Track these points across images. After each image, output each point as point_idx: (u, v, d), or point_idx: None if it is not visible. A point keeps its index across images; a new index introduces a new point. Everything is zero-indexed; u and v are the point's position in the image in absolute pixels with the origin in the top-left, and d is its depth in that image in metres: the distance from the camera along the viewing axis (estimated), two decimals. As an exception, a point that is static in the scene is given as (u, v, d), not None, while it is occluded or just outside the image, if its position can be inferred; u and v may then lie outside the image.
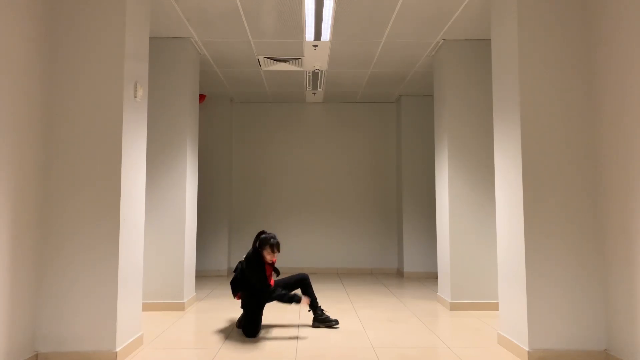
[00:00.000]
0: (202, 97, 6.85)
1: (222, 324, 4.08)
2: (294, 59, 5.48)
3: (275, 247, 3.73)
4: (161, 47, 4.82)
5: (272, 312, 4.54)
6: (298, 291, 5.04)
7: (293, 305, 4.41)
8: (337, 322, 3.93)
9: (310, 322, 4.10)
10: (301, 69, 5.88)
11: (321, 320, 3.92)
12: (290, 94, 7.23)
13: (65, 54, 3.15)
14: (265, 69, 5.85)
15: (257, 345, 3.40)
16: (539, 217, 3.13)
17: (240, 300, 4.14)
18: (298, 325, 4.01)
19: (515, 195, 3.24)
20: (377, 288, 6.00)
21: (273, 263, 3.84)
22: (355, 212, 7.63)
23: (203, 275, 7.11)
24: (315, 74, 6.06)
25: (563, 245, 3.11)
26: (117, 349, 3.00)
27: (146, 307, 4.59)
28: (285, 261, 7.52)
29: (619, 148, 2.93)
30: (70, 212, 3.06)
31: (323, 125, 7.77)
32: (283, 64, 5.64)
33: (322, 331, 3.81)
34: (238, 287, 3.82)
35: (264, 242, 3.72)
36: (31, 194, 2.94)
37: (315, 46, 5.09)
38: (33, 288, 2.97)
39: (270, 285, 3.75)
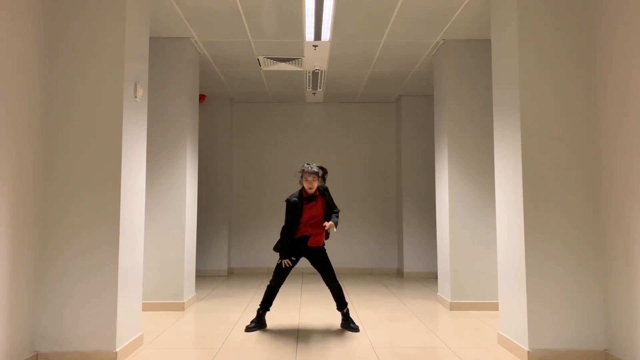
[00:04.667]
0: (202, 97, 6.85)
1: (222, 324, 4.08)
2: (294, 59, 5.48)
3: (306, 173, 3.82)
4: (161, 47, 4.82)
5: (272, 311, 4.54)
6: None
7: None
8: (357, 329, 3.85)
9: (310, 323, 4.10)
10: (301, 69, 5.88)
11: (346, 325, 3.88)
12: (290, 94, 7.23)
13: (65, 54, 3.15)
14: (265, 69, 5.84)
15: (257, 345, 3.40)
16: (539, 217, 3.13)
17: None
18: (298, 325, 4.01)
19: (515, 195, 3.24)
20: (377, 288, 6.00)
21: (316, 209, 3.85)
22: (355, 212, 7.63)
23: (203, 275, 7.11)
24: (315, 74, 6.06)
25: (563, 245, 3.12)
26: (117, 349, 3.00)
27: (146, 307, 4.59)
28: (285, 261, 7.52)
29: (620, 148, 2.93)
30: (71, 212, 3.06)
31: (323, 125, 7.77)
32: (283, 64, 5.64)
33: (322, 331, 3.81)
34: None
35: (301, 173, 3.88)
36: (31, 193, 2.94)
37: (315, 46, 5.09)
38: (33, 288, 2.97)
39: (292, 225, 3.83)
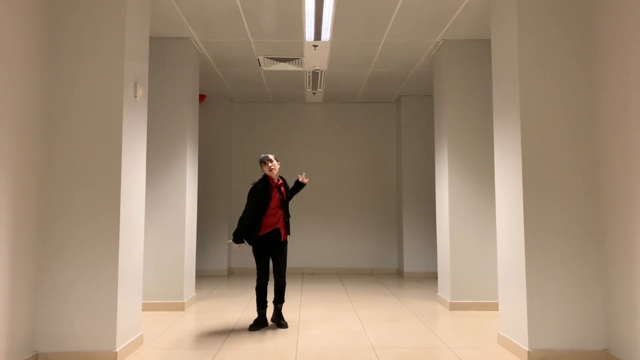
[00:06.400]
0: (202, 97, 6.85)
1: (222, 324, 4.08)
2: (294, 59, 5.48)
3: (266, 160, 3.91)
4: (161, 47, 4.82)
5: (272, 311, 4.54)
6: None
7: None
8: (287, 325, 3.97)
9: (310, 323, 4.10)
10: (301, 69, 5.88)
11: (276, 320, 4.01)
12: (290, 94, 7.23)
13: (65, 54, 3.15)
14: (265, 69, 5.84)
15: (257, 345, 3.40)
16: (538, 216, 3.13)
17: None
18: (298, 326, 4.01)
19: (515, 195, 3.24)
20: (377, 288, 6.00)
21: (279, 185, 3.96)
22: (355, 212, 7.63)
23: (203, 275, 7.11)
24: (315, 74, 6.06)
25: (563, 245, 3.11)
26: (117, 349, 3.00)
27: (146, 307, 4.58)
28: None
29: (619, 148, 2.92)
30: (71, 212, 3.06)
31: (323, 125, 7.77)
32: (283, 64, 5.64)
33: (322, 331, 3.81)
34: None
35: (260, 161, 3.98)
36: (31, 194, 2.94)
37: (315, 46, 5.09)
38: (33, 288, 2.97)
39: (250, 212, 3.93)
